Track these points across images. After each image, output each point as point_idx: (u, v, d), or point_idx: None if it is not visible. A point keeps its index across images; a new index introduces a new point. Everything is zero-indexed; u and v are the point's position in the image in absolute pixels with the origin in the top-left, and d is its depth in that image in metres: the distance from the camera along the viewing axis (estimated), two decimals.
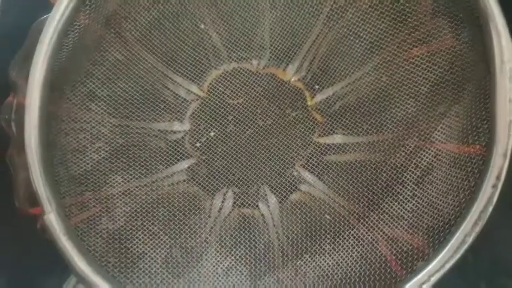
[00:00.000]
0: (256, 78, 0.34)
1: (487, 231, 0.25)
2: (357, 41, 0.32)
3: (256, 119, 0.34)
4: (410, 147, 0.30)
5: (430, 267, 0.25)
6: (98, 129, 0.32)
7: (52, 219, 0.27)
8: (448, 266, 0.25)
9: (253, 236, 0.32)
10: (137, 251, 0.30)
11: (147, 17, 0.33)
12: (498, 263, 0.34)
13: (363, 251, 0.29)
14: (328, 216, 0.31)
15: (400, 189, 0.30)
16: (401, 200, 0.29)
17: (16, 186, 0.30)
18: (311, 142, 0.33)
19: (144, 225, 0.31)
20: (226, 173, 0.33)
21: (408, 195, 0.29)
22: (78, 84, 0.31)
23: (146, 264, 0.30)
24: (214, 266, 0.31)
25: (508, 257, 0.34)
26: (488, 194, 0.25)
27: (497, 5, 0.26)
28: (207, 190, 0.33)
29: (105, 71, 0.32)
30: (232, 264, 0.31)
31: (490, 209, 0.25)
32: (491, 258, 0.33)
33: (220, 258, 0.31)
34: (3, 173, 0.30)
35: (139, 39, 0.33)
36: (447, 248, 0.25)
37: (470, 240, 0.25)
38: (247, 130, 0.34)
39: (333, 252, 0.30)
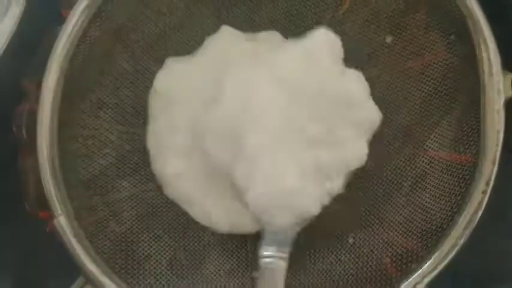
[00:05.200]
0: None
1: (480, 238, 0.27)
2: (353, 54, 0.33)
3: None
4: (405, 155, 0.31)
5: (423, 268, 0.26)
6: (105, 136, 0.33)
7: (62, 221, 0.28)
8: (440, 267, 0.26)
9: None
10: (143, 253, 0.31)
11: (154, 29, 0.34)
12: (489, 269, 0.35)
13: (360, 254, 0.30)
14: (327, 221, 0.32)
15: (396, 195, 0.31)
16: (396, 205, 0.30)
17: (26, 189, 0.31)
18: None
19: (150, 228, 0.32)
20: None
21: (403, 200, 0.30)
22: (88, 93, 0.32)
23: (151, 265, 0.31)
24: (216, 268, 0.32)
25: (499, 263, 0.35)
26: (478, 199, 0.26)
27: (486, 22, 0.27)
28: None
29: (114, 80, 0.33)
30: (234, 267, 0.32)
31: (480, 213, 0.26)
32: (483, 264, 0.34)
33: (223, 261, 0.32)
34: (12, 177, 0.31)
35: (146, 50, 0.34)
36: (439, 250, 0.26)
37: (461, 243, 0.26)
38: None
39: (331, 256, 0.31)
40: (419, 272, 0.27)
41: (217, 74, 0.31)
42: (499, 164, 0.26)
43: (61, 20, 0.30)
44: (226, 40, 0.33)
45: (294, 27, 0.34)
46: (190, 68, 0.32)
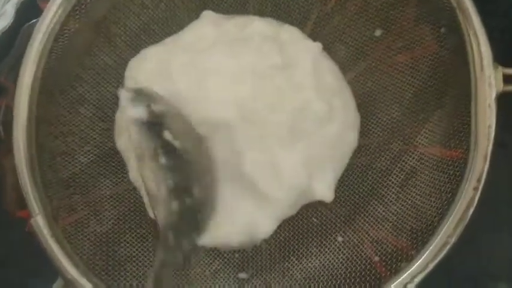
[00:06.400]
0: None
1: (473, 235, 0.26)
2: (342, 48, 0.32)
3: None
4: (394, 151, 0.31)
5: (413, 268, 0.26)
6: (86, 133, 0.32)
7: (40, 221, 0.28)
8: (431, 266, 0.25)
9: None
10: (125, 254, 0.30)
11: (137, 22, 0.33)
12: (484, 266, 0.34)
13: (349, 253, 0.29)
14: (315, 220, 0.32)
15: (385, 192, 0.30)
16: (386, 202, 0.30)
17: (4, 189, 0.30)
18: None
19: (132, 228, 0.31)
20: None
21: (393, 197, 0.30)
22: (68, 88, 0.31)
23: (134, 267, 0.30)
24: (202, 269, 0.31)
25: (494, 260, 0.34)
26: (469, 196, 0.26)
27: (476, 14, 0.26)
28: None
29: (95, 75, 0.32)
30: (220, 267, 0.31)
31: (472, 210, 0.26)
32: (477, 261, 0.34)
33: (208, 261, 0.31)
34: None
35: (128, 44, 0.33)
36: (430, 249, 0.26)
37: (452, 241, 0.25)
38: None
39: (319, 255, 0.30)
40: (409, 271, 0.26)
41: (190, 60, 0.30)
42: (491, 160, 0.26)
43: (38, 12, 0.30)
44: (204, 25, 0.32)
45: (281, 21, 0.33)
46: (163, 54, 0.31)
